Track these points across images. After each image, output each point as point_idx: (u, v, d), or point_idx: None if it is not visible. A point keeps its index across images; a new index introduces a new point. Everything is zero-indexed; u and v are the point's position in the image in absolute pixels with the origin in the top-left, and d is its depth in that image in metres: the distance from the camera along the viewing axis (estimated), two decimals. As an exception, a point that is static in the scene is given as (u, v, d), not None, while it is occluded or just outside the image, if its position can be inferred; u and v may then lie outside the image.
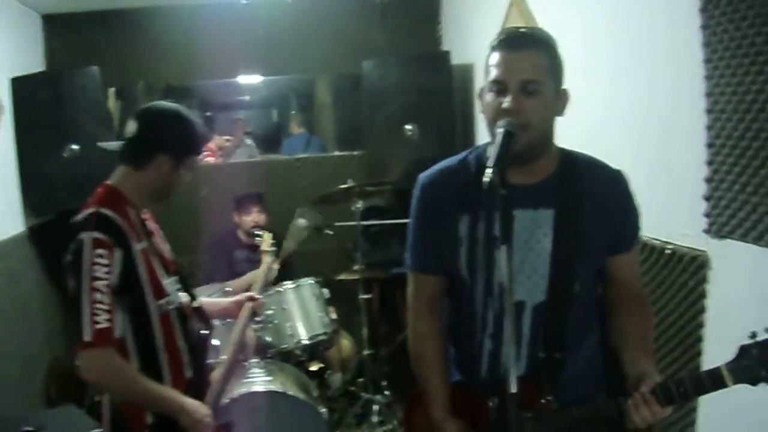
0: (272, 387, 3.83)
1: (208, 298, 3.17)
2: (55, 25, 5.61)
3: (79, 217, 2.45)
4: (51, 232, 5.21)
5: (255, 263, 5.09)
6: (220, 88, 9.89)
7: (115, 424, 2.52)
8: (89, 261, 2.33)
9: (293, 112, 10.03)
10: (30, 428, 3.23)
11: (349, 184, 4.78)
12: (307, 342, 4.46)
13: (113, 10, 5.65)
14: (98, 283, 2.32)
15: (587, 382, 2.17)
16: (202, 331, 2.78)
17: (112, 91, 5.59)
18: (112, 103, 5.58)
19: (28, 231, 4.96)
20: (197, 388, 2.67)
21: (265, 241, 4.18)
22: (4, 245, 4.50)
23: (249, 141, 9.43)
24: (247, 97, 11.72)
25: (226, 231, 5.41)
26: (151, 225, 2.70)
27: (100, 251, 2.35)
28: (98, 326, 2.30)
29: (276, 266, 4.89)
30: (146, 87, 5.98)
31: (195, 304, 2.75)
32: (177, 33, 5.86)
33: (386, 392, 4.98)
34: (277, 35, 5.98)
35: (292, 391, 3.84)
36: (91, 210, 2.43)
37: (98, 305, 2.30)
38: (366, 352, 4.90)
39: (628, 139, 3.20)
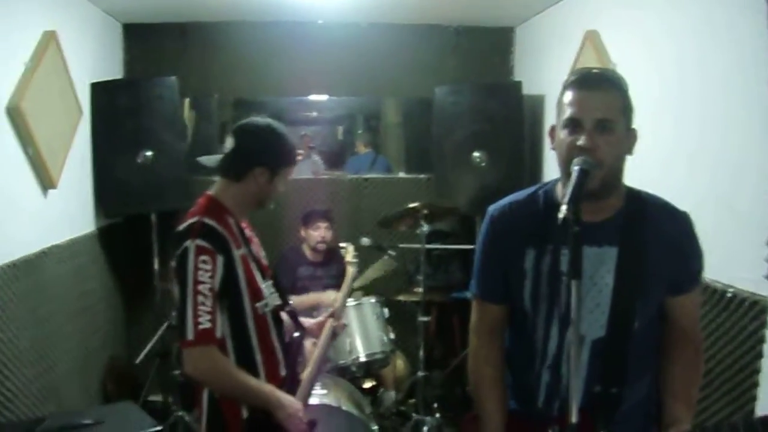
0: (326, 401, 3.88)
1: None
2: (134, 35, 5.79)
3: (183, 226, 2.63)
4: (118, 234, 5.42)
5: (317, 280, 5.19)
6: (289, 103, 10.02)
7: (213, 418, 2.68)
8: (194, 266, 2.51)
9: (360, 131, 10.10)
10: (89, 421, 3.31)
11: (417, 204, 4.85)
12: (364, 359, 4.53)
13: (192, 22, 5.79)
14: (202, 287, 2.50)
15: (640, 418, 2.20)
16: (295, 334, 2.98)
17: (187, 101, 5.70)
18: (187, 114, 5.69)
19: (98, 231, 5.09)
20: (290, 386, 2.85)
21: (349, 252, 4.27)
22: (75, 243, 4.62)
23: (316, 157, 9.55)
24: (314, 114, 11.83)
25: (291, 246, 5.48)
26: (249, 233, 2.89)
27: (203, 257, 2.53)
28: (201, 326, 2.49)
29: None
30: (219, 99, 6.11)
31: (288, 308, 2.96)
32: (253, 48, 5.98)
33: (437, 414, 4.99)
34: (350, 57, 6.06)
35: (346, 406, 3.89)
36: (194, 219, 2.62)
37: (201, 307, 2.49)
38: (420, 373, 4.93)
39: (694, 180, 3.21)
